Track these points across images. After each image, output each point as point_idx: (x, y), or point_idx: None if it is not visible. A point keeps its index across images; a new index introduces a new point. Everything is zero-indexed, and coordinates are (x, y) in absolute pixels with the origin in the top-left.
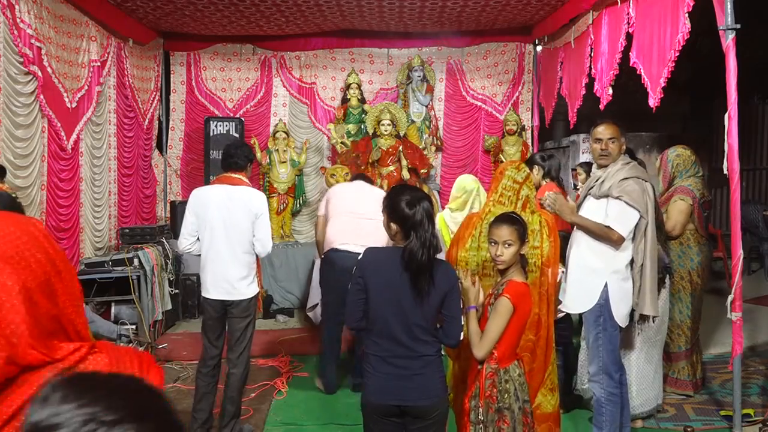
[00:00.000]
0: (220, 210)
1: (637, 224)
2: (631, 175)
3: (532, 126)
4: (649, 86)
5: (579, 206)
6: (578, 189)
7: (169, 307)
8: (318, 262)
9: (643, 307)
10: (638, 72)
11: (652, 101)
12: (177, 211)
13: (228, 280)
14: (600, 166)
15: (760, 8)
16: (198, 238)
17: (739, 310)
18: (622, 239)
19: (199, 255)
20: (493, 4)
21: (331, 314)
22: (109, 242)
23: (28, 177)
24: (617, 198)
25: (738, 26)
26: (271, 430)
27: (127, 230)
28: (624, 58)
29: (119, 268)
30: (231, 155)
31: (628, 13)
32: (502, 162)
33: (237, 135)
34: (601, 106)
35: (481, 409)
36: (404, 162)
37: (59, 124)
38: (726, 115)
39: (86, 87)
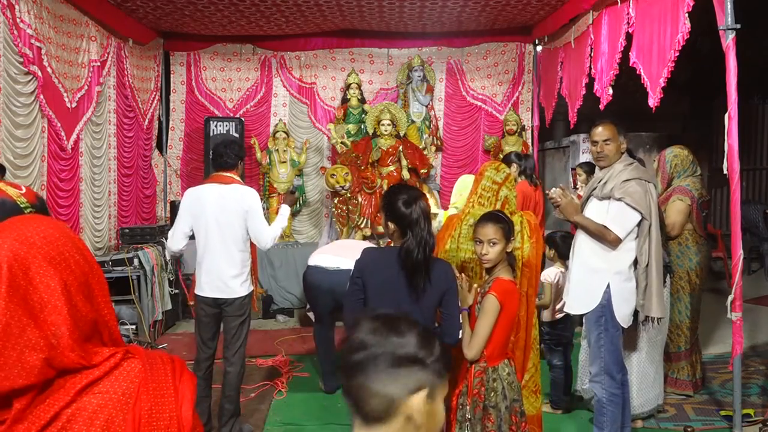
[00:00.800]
0: (213, 209)
1: (640, 225)
2: (634, 176)
3: (532, 126)
4: (648, 86)
5: (582, 207)
6: (578, 189)
7: (169, 307)
8: None
9: (650, 308)
10: (638, 72)
11: (652, 101)
12: (177, 211)
13: (221, 278)
14: (600, 168)
15: (760, 8)
16: (191, 238)
17: (739, 310)
18: (618, 240)
19: (181, 252)
20: (493, 4)
21: (319, 317)
22: (109, 242)
23: (28, 177)
24: (618, 199)
25: (738, 26)
26: (271, 430)
27: (127, 230)
28: (624, 58)
29: (119, 268)
30: (220, 154)
31: (628, 13)
32: None
33: (237, 135)
34: (601, 106)
35: (468, 408)
36: (404, 162)
37: (59, 124)
38: (726, 115)
39: (86, 87)
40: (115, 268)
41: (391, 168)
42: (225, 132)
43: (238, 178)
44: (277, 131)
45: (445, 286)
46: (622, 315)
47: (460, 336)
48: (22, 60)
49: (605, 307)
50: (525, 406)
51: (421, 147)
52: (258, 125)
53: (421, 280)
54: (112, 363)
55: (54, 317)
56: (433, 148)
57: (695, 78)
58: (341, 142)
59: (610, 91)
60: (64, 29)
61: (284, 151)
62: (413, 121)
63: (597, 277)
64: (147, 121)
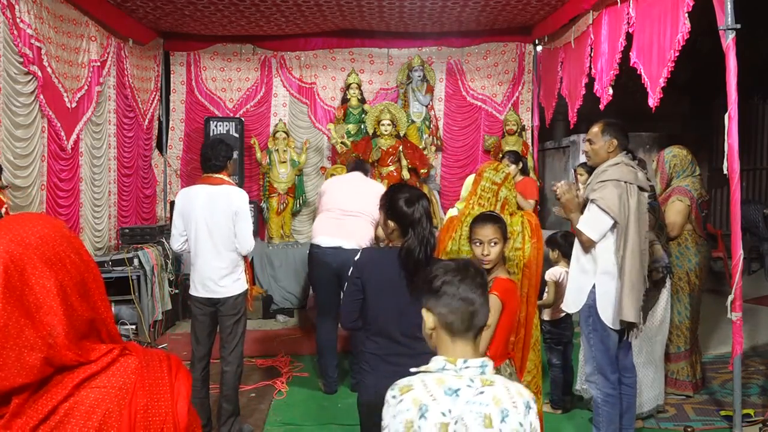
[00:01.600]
0: (202, 210)
1: (615, 229)
2: (611, 177)
3: (532, 126)
4: (648, 86)
5: (583, 208)
6: (580, 190)
7: (169, 307)
8: None
9: (624, 313)
10: (638, 72)
11: (652, 101)
12: None
13: (212, 278)
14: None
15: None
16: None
17: (739, 310)
18: (591, 242)
19: (184, 252)
20: (493, 4)
21: (323, 312)
22: (109, 242)
23: (28, 177)
24: (592, 201)
25: (738, 26)
26: (271, 430)
27: (127, 230)
28: (624, 58)
29: (119, 268)
30: (208, 158)
31: (628, 13)
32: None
33: (237, 135)
34: (601, 106)
35: None
36: (404, 162)
37: (59, 124)
38: (726, 115)
39: (86, 87)
40: (115, 268)
41: (391, 168)
42: (225, 132)
43: (228, 179)
44: (277, 131)
45: None
46: (607, 316)
47: None
48: (22, 60)
49: (592, 307)
50: None
51: (421, 147)
52: (258, 125)
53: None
54: (109, 358)
55: (49, 318)
56: (433, 148)
57: (695, 78)
58: (341, 142)
59: (610, 91)
60: (64, 29)
61: (284, 151)
62: (413, 121)
63: (585, 277)
64: (147, 121)
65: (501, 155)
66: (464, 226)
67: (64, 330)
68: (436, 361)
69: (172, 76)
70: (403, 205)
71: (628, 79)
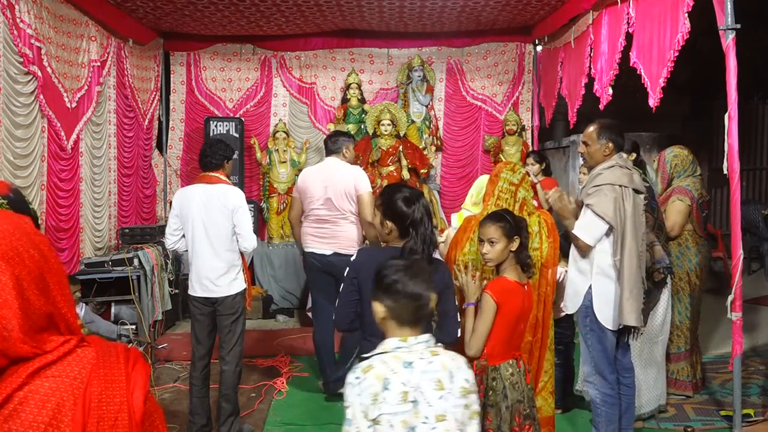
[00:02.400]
0: (199, 209)
1: (611, 233)
2: (606, 181)
3: (532, 126)
4: (648, 86)
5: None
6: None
7: (169, 307)
8: None
9: (623, 317)
10: (638, 72)
11: (652, 101)
12: None
13: (209, 277)
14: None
15: (760, 8)
16: (182, 236)
17: (739, 310)
18: (587, 246)
19: (186, 251)
20: (493, 4)
21: (319, 313)
22: (109, 242)
23: (28, 177)
24: (587, 206)
25: (738, 26)
26: (271, 430)
27: (127, 230)
28: (624, 58)
29: (119, 268)
30: (206, 155)
31: (628, 13)
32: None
33: (237, 135)
34: (601, 106)
35: None
36: (404, 162)
37: (59, 124)
38: (726, 115)
39: (86, 87)
40: (115, 268)
41: (391, 168)
42: (225, 132)
43: (225, 178)
44: (277, 131)
45: (441, 285)
46: (605, 316)
47: (458, 335)
48: (22, 60)
49: (588, 308)
50: (544, 407)
51: (421, 147)
52: (258, 125)
53: None
54: (65, 349)
55: (4, 311)
56: (433, 148)
57: (695, 78)
58: None
59: (610, 91)
60: (64, 29)
61: (284, 151)
62: (413, 121)
63: (582, 278)
64: (147, 121)
65: (527, 154)
66: None
67: (18, 323)
68: (390, 342)
69: (172, 76)
70: (402, 205)
71: (628, 79)
